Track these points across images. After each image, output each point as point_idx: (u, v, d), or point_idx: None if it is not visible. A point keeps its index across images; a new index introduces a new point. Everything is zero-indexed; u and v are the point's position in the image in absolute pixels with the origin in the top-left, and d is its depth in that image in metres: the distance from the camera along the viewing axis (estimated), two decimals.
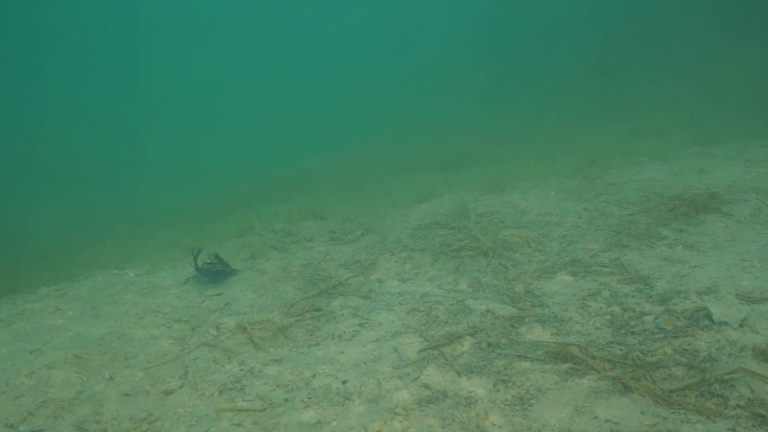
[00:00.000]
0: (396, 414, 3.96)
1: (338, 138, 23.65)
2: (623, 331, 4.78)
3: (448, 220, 8.08)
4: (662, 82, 22.02)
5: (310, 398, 4.35)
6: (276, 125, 29.90)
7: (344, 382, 4.52)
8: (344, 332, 5.38)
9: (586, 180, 9.82)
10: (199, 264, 7.27)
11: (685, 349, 4.38)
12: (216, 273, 7.16)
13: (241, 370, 4.96)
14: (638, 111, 17.33)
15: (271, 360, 5.08)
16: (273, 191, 14.35)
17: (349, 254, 7.58)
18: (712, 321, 4.69)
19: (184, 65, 50.02)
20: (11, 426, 4.30)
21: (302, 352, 5.13)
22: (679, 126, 14.26)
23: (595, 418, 3.75)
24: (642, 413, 3.73)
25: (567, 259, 6.44)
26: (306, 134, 26.44)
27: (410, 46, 44.85)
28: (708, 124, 14.15)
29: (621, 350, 4.49)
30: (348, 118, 27.99)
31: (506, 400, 4.03)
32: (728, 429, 3.46)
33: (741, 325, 4.61)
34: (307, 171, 17.79)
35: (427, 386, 4.30)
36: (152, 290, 7.05)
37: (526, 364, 4.45)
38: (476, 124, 20.50)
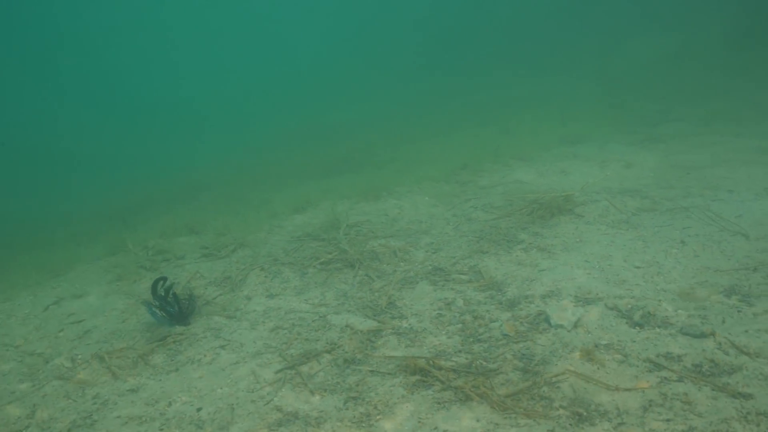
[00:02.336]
0: None
1: (228, 143, 23.16)
2: (471, 340, 5.04)
3: (320, 232, 8.16)
4: (543, 79, 23.18)
5: (162, 430, 4.30)
6: (162, 133, 28.83)
7: (199, 409, 4.50)
8: (205, 356, 5.34)
9: (458, 184, 10.20)
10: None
11: (524, 354, 4.69)
12: (173, 315, 6.07)
13: (95, 403, 4.82)
14: (517, 108, 18.12)
15: (127, 390, 4.97)
16: (155, 202, 13.90)
17: (220, 271, 7.50)
18: (550, 324, 5.04)
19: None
20: None
21: (161, 380, 5.05)
22: (551, 124, 15.06)
23: (435, 428, 3.94)
24: (477, 420, 3.96)
25: (430, 267, 6.69)
26: (195, 140, 25.72)
27: (300, 45, 44.73)
28: (578, 121, 15.05)
29: (467, 359, 4.73)
30: (239, 122, 27.49)
31: (354, 417, 4.16)
32: (548, 430, 3.74)
33: (575, 327, 4.98)
34: (192, 180, 17.34)
35: (279, 409, 4.36)
36: (5, 321, 6.69)
37: (377, 379, 4.60)
38: (368, 124, 20.71)
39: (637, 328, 4.91)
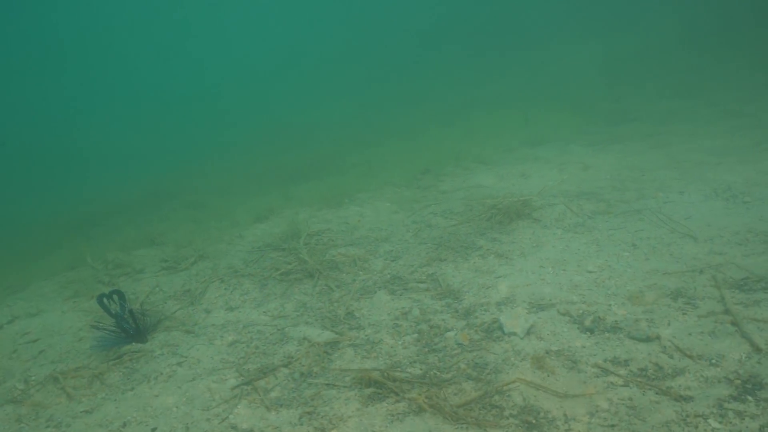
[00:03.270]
0: None
1: (194, 149, 22.95)
2: (426, 350, 5.10)
3: (281, 242, 8.17)
4: (508, 79, 23.46)
5: None
6: (129, 137, 28.41)
7: (153, 429, 4.49)
8: (161, 373, 5.32)
9: (420, 189, 10.29)
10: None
11: (477, 363, 4.77)
12: (129, 333, 5.86)
13: (48, 426, 4.77)
14: (483, 109, 18.30)
15: (82, 411, 4.92)
16: (117, 211, 13.71)
17: (179, 284, 7.46)
18: (503, 332, 5.13)
19: None
20: None
21: (116, 399, 5.02)
22: (515, 125, 15.26)
23: None
24: None
25: (389, 276, 6.75)
26: (161, 146, 25.41)
27: (268, 48, 44.50)
28: (542, 122, 15.27)
29: (421, 369, 4.79)
30: (205, 126, 27.26)
31: None
32: None
33: (528, 334, 5.08)
34: (157, 188, 17.14)
35: (234, 427, 4.37)
36: None
37: (333, 393, 4.64)
38: (335, 126, 20.72)
39: (587, 333, 5.02)
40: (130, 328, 5.87)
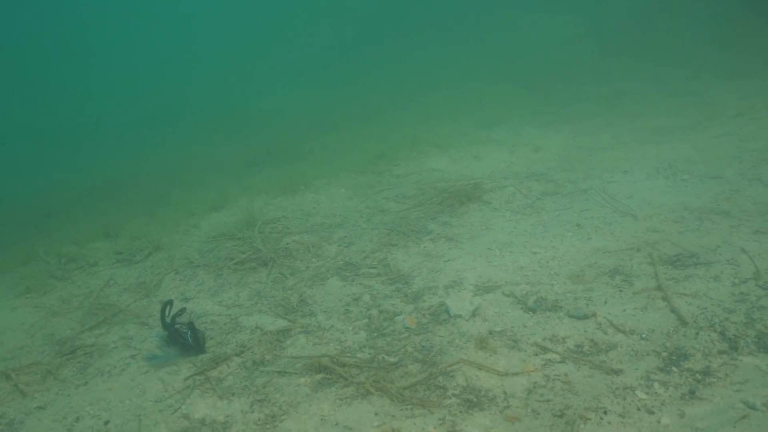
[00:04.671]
0: None
1: (149, 137, 22.55)
2: (376, 335, 5.26)
3: (236, 231, 8.21)
4: (465, 60, 23.58)
5: None
6: (83, 127, 27.76)
7: (106, 422, 4.56)
8: (115, 366, 5.37)
9: (375, 174, 10.40)
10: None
11: (423, 346, 4.94)
12: (187, 347, 5.28)
13: None
14: (439, 92, 18.41)
15: (35, 407, 4.95)
16: (73, 204, 13.48)
17: (134, 276, 7.47)
18: (449, 315, 5.31)
19: None
20: None
21: (69, 394, 5.06)
22: (470, 108, 15.42)
23: (337, 425, 4.14)
24: (376, 414, 4.18)
25: (341, 262, 6.87)
26: (115, 136, 24.91)
27: (225, 30, 43.85)
28: (496, 104, 15.46)
29: (370, 354, 4.95)
30: (161, 113, 26.78)
31: (259, 419, 4.31)
32: (440, 419, 4.00)
33: (473, 316, 5.27)
34: (113, 178, 16.87)
35: (186, 416, 4.47)
36: None
37: (284, 380, 4.76)
38: (293, 111, 20.60)
39: (530, 313, 5.23)
40: (188, 343, 5.24)
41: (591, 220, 7.04)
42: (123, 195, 12.92)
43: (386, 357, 4.86)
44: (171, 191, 12.45)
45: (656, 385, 4.04)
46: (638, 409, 3.84)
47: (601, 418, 3.80)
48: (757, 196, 6.85)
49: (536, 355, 4.61)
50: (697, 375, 4.07)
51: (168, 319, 5.23)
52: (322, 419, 4.23)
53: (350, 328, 5.43)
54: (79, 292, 7.22)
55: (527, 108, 14.46)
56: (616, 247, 6.22)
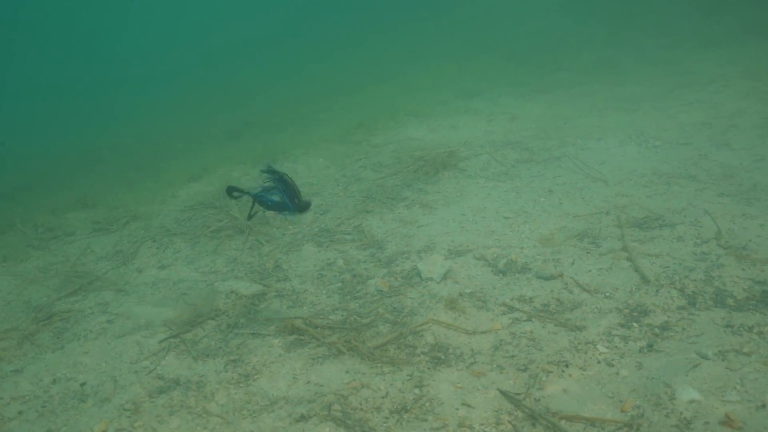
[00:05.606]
0: (125, 410, 4.19)
1: (132, 108, 22.26)
2: (349, 297, 5.35)
3: (213, 200, 8.24)
4: (450, 33, 23.46)
5: (44, 407, 4.41)
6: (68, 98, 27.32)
7: (83, 384, 4.63)
8: (91, 331, 5.43)
9: (353, 144, 10.43)
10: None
11: (395, 308, 5.05)
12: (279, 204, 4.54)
13: None
14: (421, 63, 18.35)
15: (11, 371, 5.01)
16: (51, 175, 13.36)
17: (111, 245, 7.50)
18: (421, 278, 5.42)
19: None
20: None
21: (46, 358, 5.12)
22: (451, 79, 15.42)
23: (308, 382, 4.25)
24: (347, 372, 4.29)
25: (317, 229, 6.94)
26: (95, 106, 24.57)
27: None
28: (476, 74, 15.47)
29: (342, 316, 5.05)
30: (143, 84, 26.43)
31: (233, 378, 4.41)
32: (408, 375, 4.12)
33: (444, 279, 5.38)
34: (92, 149, 16.70)
35: (161, 377, 4.56)
36: None
37: (257, 341, 4.86)
38: (275, 83, 20.44)
39: (500, 275, 5.35)
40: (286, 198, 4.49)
41: (563, 185, 7.15)
42: (102, 167, 12.84)
43: (358, 318, 4.97)
44: (150, 162, 12.39)
45: (617, 339, 4.18)
46: (598, 362, 3.98)
47: (563, 371, 3.93)
48: (723, 160, 6.99)
49: (504, 314, 4.73)
50: (656, 329, 4.21)
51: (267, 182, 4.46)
52: (294, 378, 4.33)
53: (324, 292, 5.52)
54: (56, 261, 7.24)
55: (506, 78, 14.51)
56: (586, 211, 6.34)
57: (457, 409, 3.72)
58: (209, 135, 13.96)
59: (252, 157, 10.21)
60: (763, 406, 3.33)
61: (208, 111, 17.29)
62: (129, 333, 5.29)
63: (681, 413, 3.38)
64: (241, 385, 4.33)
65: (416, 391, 3.95)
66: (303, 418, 3.83)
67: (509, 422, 3.54)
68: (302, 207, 4.55)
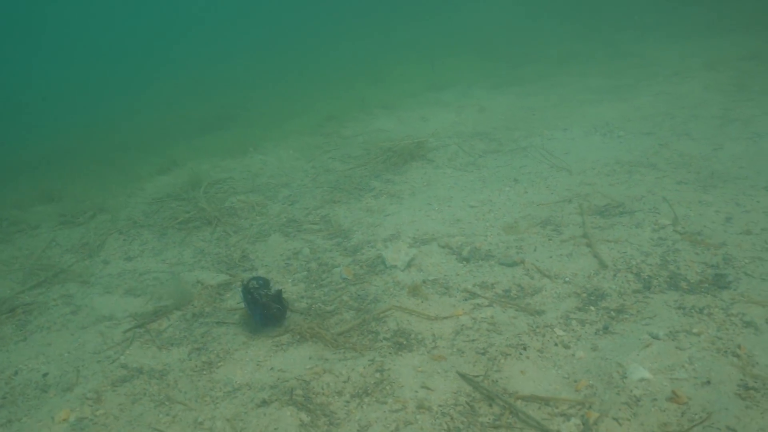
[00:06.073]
0: (87, 399, 4.18)
1: (103, 103, 21.94)
2: (314, 286, 5.39)
3: (181, 192, 8.20)
4: (423, 28, 23.53)
5: (5, 398, 4.38)
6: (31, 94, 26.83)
7: (45, 375, 4.61)
8: (55, 322, 5.40)
9: (323, 136, 10.44)
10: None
11: (359, 295, 5.09)
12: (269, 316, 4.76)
13: None
14: (394, 56, 18.39)
15: None
16: (15, 169, 13.16)
17: (77, 238, 7.43)
18: (386, 266, 5.47)
19: None
20: None
21: (8, 350, 5.08)
22: (423, 71, 15.47)
23: (271, 369, 4.28)
24: (309, 358, 4.33)
25: (285, 219, 6.96)
26: (66, 102, 24.16)
27: None
28: (449, 67, 15.54)
29: (307, 303, 5.09)
30: (116, 77, 26.05)
31: (196, 366, 4.43)
32: (369, 360, 4.18)
33: (408, 266, 5.44)
34: (61, 143, 16.46)
35: (124, 366, 4.55)
36: None
37: (222, 330, 4.88)
38: (249, 77, 20.28)
39: (464, 262, 5.42)
40: (276, 312, 4.75)
41: (528, 175, 7.25)
42: (70, 160, 12.66)
43: (323, 306, 5.01)
44: (119, 156, 12.27)
45: (574, 323, 4.28)
46: (555, 344, 4.07)
47: (521, 354, 4.02)
48: (683, 149, 7.15)
49: (466, 300, 4.81)
50: (612, 312, 4.32)
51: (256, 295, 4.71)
52: (257, 364, 4.36)
53: (289, 280, 5.55)
54: (20, 254, 7.16)
55: (478, 72, 14.59)
56: (550, 199, 6.44)
57: (416, 391, 3.79)
58: (181, 129, 13.83)
59: (223, 150, 10.16)
60: (708, 382, 3.44)
61: (181, 105, 17.11)
62: (93, 324, 5.27)
63: (631, 391, 3.48)
64: (205, 372, 4.35)
65: (377, 375, 4.00)
66: (265, 403, 3.87)
67: (467, 403, 3.62)
68: (269, 320, 4.79)
